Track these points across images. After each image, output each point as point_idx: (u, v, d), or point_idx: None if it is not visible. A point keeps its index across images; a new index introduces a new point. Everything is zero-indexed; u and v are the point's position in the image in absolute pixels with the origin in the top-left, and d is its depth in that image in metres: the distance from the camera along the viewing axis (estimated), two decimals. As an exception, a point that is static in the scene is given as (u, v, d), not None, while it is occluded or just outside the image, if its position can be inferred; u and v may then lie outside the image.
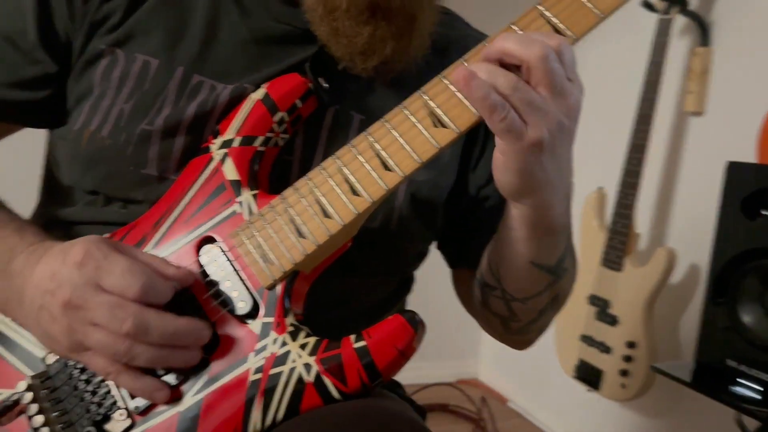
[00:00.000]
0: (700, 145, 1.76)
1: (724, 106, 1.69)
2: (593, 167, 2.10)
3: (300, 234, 0.63)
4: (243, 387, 0.60)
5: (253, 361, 0.61)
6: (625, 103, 1.81)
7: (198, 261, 0.65)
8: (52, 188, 0.78)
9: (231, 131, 0.69)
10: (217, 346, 0.62)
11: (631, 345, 1.71)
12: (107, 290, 0.58)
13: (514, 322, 0.76)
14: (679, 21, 1.75)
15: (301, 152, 0.72)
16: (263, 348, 0.61)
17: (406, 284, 0.87)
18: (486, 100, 0.55)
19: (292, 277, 0.63)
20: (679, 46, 1.77)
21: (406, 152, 0.61)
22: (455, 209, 0.80)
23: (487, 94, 0.55)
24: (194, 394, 0.61)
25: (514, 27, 0.60)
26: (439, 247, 0.87)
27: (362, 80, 0.74)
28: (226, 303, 0.63)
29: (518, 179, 0.59)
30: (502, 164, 0.59)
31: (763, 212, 1.05)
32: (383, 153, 0.62)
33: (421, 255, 0.84)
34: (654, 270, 1.68)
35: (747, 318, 1.05)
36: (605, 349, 1.76)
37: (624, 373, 1.73)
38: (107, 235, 0.69)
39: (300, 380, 0.59)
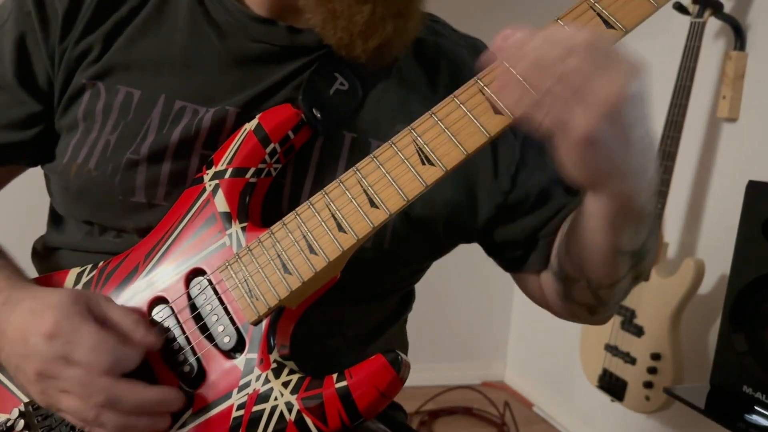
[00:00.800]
0: (734, 153, 1.70)
1: (759, 112, 1.63)
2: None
3: (286, 270, 0.63)
4: (226, 423, 0.61)
5: (236, 398, 0.61)
6: (655, 109, 1.76)
7: (188, 293, 0.65)
8: (54, 216, 0.80)
9: (224, 162, 0.69)
10: (203, 380, 0.63)
11: (656, 357, 1.68)
12: (77, 364, 0.58)
13: (601, 307, 0.75)
14: (713, 24, 1.69)
15: (291, 176, 0.72)
16: (247, 384, 0.61)
17: (404, 301, 0.86)
18: (521, 101, 0.53)
19: (277, 312, 0.63)
20: (712, 50, 1.71)
21: (393, 189, 0.61)
22: (491, 222, 0.77)
23: (522, 94, 0.53)
24: (179, 427, 0.62)
25: (560, 22, 0.57)
26: (492, 256, 0.83)
27: (352, 96, 0.73)
28: (212, 337, 0.64)
29: (585, 173, 0.56)
30: (564, 160, 0.55)
31: (786, 234, 1.01)
32: (371, 189, 0.61)
33: (419, 271, 0.83)
34: (681, 281, 1.64)
35: (766, 344, 1.01)
36: (630, 359, 1.73)
37: (648, 385, 1.70)
38: (102, 263, 0.70)
39: (281, 418, 0.60)
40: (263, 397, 0.60)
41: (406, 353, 0.84)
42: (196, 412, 0.62)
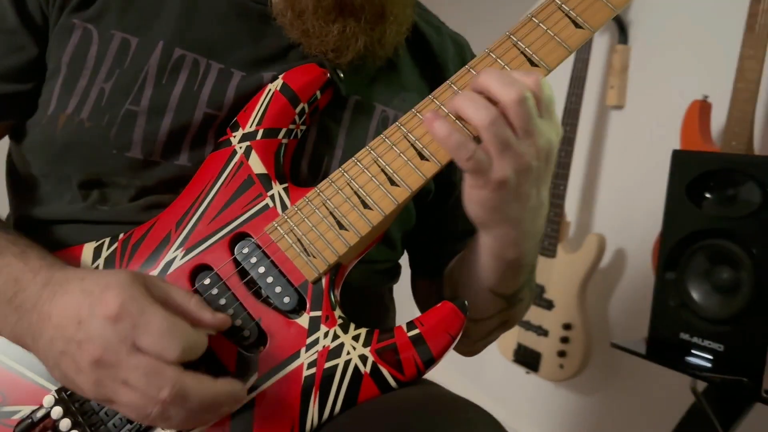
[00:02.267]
0: (622, 137, 1.88)
1: (643, 99, 1.82)
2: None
3: (341, 226, 0.62)
4: (298, 382, 0.59)
5: (306, 356, 0.60)
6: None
7: (234, 259, 0.63)
8: (23, 188, 0.72)
9: (252, 123, 0.67)
10: (265, 344, 0.60)
11: (567, 327, 1.81)
12: (144, 351, 0.52)
13: (464, 337, 0.80)
14: (600, 20, 1.86)
15: (314, 143, 0.71)
16: (315, 342, 0.60)
17: (391, 273, 0.87)
18: (449, 139, 0.57)
19: (335, 269, 0.63)
20: (600, 44, 1.88)
21: (436, 144, 0.62)
22: (432, 216, 0.81)
23: (448, 134, 0.57)
24: (248, 393, 0.59)
25: (492, 55, 0.63)
26: (410, 252, 0.88)
27: (367, 69, 0.74)
28: (269, 300, 0.62)
29: (483, 212, 0.61)
30: (469, 196, 0.61)
31: (707, 195, 1.14)
32: (418, 143, 0.63)
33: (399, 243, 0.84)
34: (586, 255, 1.78)
35: (696, 294, 1.14)
36: (542, 332, 1.85)
37: (562, 354, 1.82)
38: (122, 236, 0.65)
39: (356, 372, 0.59)
40: (335, 353, 0.60)
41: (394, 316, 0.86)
42: (262, 376, 0.59)
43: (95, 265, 0.64)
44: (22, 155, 0.70)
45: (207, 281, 0.62)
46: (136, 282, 0.54)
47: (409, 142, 0.63)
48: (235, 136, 0.67)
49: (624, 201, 1.86)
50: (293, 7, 0.68)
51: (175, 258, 0.63)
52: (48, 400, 0.59)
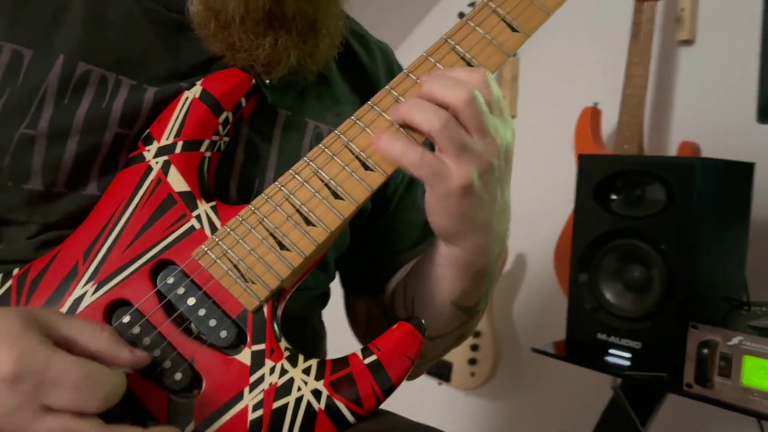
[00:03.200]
0: (515, 146, 1.92)
1: (532, 108, 1.86)
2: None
3: (282, 246, 0.56)
4: (243, 428, 0.51)
5: (250, 397, 0.52)
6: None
7: (158, 291, 0.54)
8: None
9: (168, 135, 0.59)
10: (200, 386, 0.52)
11: (475, 334, 1.81)
12: (57, 410, 0.44)
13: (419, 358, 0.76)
14: (491, 31, 1.90)
15: (242, 164, 0.64)
16: (260, 380, 0.53)
17: (323, 298, 0.81)
18: (392, 148, 0.54)
19: (276, 296, 0.56)
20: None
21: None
22: (370, 232, 0.77)
23: (391, 143, 0.54)
24: (181, 449, 0.51)
25: (431, 59, 0.59)
26: (344, 271, 0.82)
27: (296, 83, 0.68)
28: (202, 336, 0.54)
29: (451, 223, 0.57)
30: (433, 209, 0.57)
31: (613, 197, 1.17)
32: (363, 154, 0.58)
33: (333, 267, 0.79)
34: (490, 262, 1.79)
35: (609, 295, 1.16)
36: (451, 342, 1.84)
37: (472, 361, 1.82)
38: (16, 271, 0.55)
39: (309, 409, 0.52)
40: (284, 390, 0.53)
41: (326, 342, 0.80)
42: (200, 424, 0.51)
43: None
44: None
45: (126, 319, 0.53)
46: (30, 327, 0.45)
47: (352, 152, 0.58)
48: (149, 150, 0.59)
49: (522, 207, 1.89)
50: (217, 17, 0.60)
51: (85, 294, 0.54)
52: None
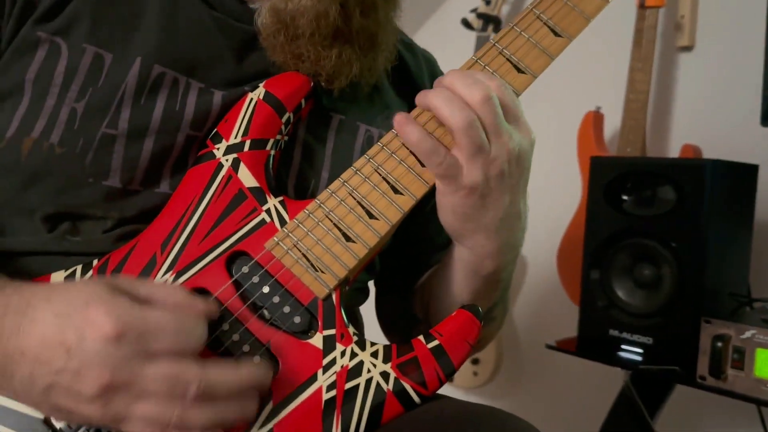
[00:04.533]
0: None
1: (537, 112, 1.91)
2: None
3: (348, 238, 0.59)
4: (318, 408, 0.55)
5: (323, 379, 0.56)
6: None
7: (235, 281, 0.58)
8: None
9: (236, 134, 0.63)
10: (277, 370, 0.56)
11: (480, 334, 1.85)
12: (161, 356, 0.48)
13: None
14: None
15: (299, 164, 0.68)
16: (332, 362, 0.56)
17: (366, 292, 0.84)
18: (420, 145, 0.58)
19: (343, 284, 0.59)
20: (495, 60, 1.96)
21: None
22: (404, 232, 0.80)
23: (420, 139, 0.57)
24: (260, 426, 0.54)
25: (480, 62, 0.63)
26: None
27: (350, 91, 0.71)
28: (276, 322, 0.57)
29: (457, 221, 0.61)
30: (441, 204, 0.61)
31: (624, 197, 1.22)
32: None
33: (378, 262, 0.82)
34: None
35: (621, 292, 1.20)
36: (456, 341, 1.88)
37: (475, 361, 1.86)
38: (96, 262, 0.58)
39: (379, 390, 0.56)
40: (354, 372, 0.56)
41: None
42: (277, 405, 0.55)
43: None
44: None
45: None
46: (116, 291, 0.49)
47: (409, 149, 0.61)
48: (218, 149, 0.62)
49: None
50: (286, 31, 0.63)
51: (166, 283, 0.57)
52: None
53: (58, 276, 0.57)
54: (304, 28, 0.62)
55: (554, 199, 1.77)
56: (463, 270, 0.66)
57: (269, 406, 0.55)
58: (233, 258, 0.59)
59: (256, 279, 0.58)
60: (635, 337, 1.17)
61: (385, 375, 0.56)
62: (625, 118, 1.58)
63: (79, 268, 0.58)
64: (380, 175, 0.61)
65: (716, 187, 1.11)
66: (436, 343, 0.58)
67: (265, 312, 0.57)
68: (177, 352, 0.48)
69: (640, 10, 1.54)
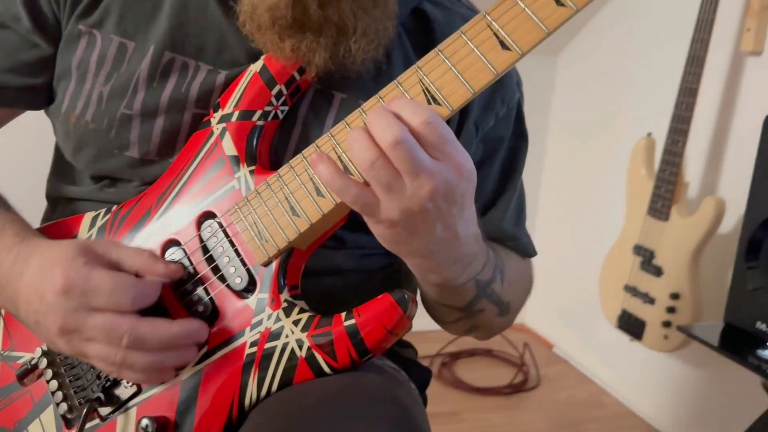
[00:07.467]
0: (758, 88, 1.66)
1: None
2: (642, 112, 2.02)
3: (294, 212, 0.63)
4: (240, 359, 0.63)
5: (249, 335, 0.63)
6: (676, 44, 1.72)
7: (199, 236, 0.67)
8: (58, 163, 0.81)
9: (230, 105, 0.69)
10: (216, 319, 0.64)
11: (675, 296, 1.68)
12: (98, 311, 0.59)
13: (450, 327, 0.80)
14: (738, -46, 1.63)
15: (297, 141, 0.72)
16: (259, 323, 0.63)
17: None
18: (330, 185, 0.58)
19: (287, 253, 0.64)
20: (737, -18, 1.65)
21: None
22: None
23: (329, 180, 0.57)
24: (195, 364, 0.64)
25: (463, 36, 0.59)
26: None
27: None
28: (224, 278, 0.65)
29: (386, 244, 0.61)
30: (373, 230, 0.60)
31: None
32: None
33: None
34: (701, 220, 1.62)
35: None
36: (649, 300, 1.74)
37: (667, 324, 1.71)
38: (115, 207, 0.72)
39: (293, 355, 0.61)
40: (275, 335, 0.62)
41: (415, 293, 0.85)
42: (211, 349, 0.64)
43: (90, 233, 0.71)
44: (59, 140, 0.79)
45: (174, 255, 0.67)
46: (79, 253, 0.61)
47: None
48: (215, 117, 0.70)
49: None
50: (252, 19, 0.66)
51: (153, 231, 0.69)
52: (38, 351, 0.69)
53: (88, 216, 0.73)
54: (263, 20, 0.65)
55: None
56: (419, 276, 0.68)
57: (205, 348, 0.64)
58: (205, 217, 0.67)
59: (215, 238, 0.66)
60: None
61: (300, 342, 0.61)
62: None
63: (103, 211, 0.72)
64: (336, 153, 0.63)
65: None
66: (352, 322, 0.60)
67: (218, 268, 0.66)
68: (114, 307, 0.60)
69: None
